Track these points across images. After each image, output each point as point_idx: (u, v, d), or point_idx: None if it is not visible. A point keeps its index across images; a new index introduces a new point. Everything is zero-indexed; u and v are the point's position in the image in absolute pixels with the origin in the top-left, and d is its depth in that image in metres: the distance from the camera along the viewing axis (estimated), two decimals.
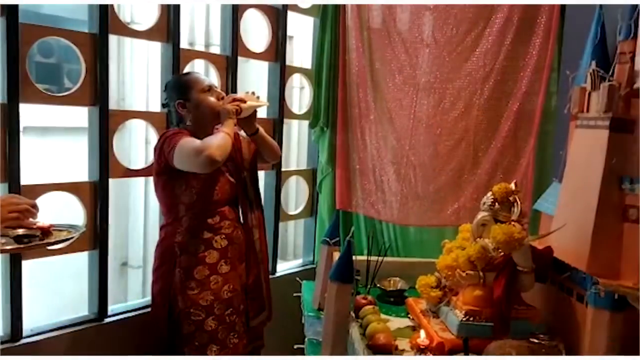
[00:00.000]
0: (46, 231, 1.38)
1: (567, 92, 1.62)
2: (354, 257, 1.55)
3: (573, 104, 1.59)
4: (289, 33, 2.75)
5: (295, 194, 3.95)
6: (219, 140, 1.73)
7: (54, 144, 3.64)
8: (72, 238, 1.43)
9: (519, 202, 1.53)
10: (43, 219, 1.40)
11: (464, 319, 1.46)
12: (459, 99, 2.47)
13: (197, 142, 1.73)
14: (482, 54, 2.40)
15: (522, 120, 2.35)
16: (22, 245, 1.33)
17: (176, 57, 2.21)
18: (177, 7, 2.19)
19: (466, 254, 1.52)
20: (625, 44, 1.44)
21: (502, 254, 1.49)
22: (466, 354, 1.43)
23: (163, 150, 1.78)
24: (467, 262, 1.51)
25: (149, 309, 2.05)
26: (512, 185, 1.56)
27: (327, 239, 1.98)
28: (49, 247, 1.56)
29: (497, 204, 1.54)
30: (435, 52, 2.50)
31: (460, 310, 1.49)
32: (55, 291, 3.30)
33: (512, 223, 1.49)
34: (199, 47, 3.67)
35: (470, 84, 2.44)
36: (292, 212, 3.05)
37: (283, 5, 2.66)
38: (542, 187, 2.03)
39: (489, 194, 1.57)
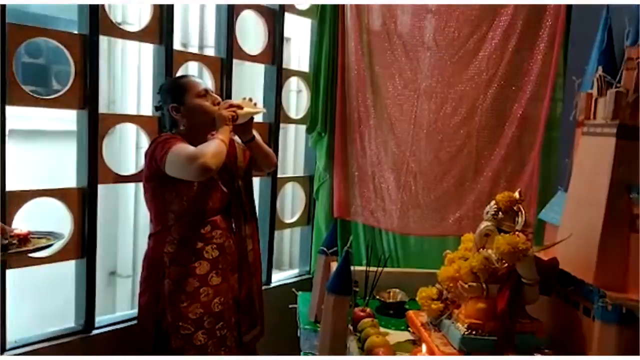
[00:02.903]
0: (24, 239, 1.38)
1: (572, 98, 1.63)
2: (352, 268, 1.55)
3: (579, 110, 1.59)
4: (286, 35, 2.76)
5: (292, 201, 3.95)
6: (214, 148, 1.72)
7: (41, 149, 3.62)
8: (50, 245, 1.44)
9: (523, 212, 1.53)
10: (22, 226, 1.40)
11: (466, 333, 1.45)
12: (461, 104, 2.47)
13: (191, 148, 1.73)
14: (484, 58, 2.41)
15: (527, 127, 2.36)
16: None
17: (169, 59, 2.21)
18: (170, 8, 2.19)
19: (469, 265, 1.51)
20: (632, 50, 1.44)
21: (505, 265, 1.48)
22: None
23: (155, 155, 1.77)
24: (469, 274, 1.51)
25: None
26: (517, 194, 1.55)
27: (325, 249, 1.98)
28: (28, 255, 1.56)
29: (500, 213, 1.54)
30: (436, 55, 2.51)
31: (462, 323, 1.48)
32: (40, 301, 3.28)
33: (517, 233, 1.48)
34: (193, 49, 3.68)
35: (473, 88, 2.44)
36: (288, 220, 3.05)
37: (280, 7, 2.67)
38: (547, 196, 2.03)
39: (493, 202, 1.57)
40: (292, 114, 3.07)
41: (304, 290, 2.25)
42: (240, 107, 1.91)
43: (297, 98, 3.95)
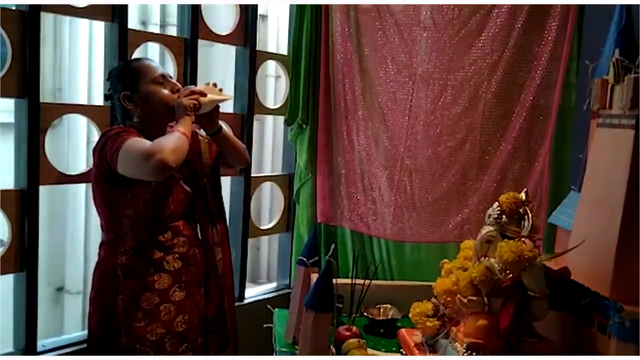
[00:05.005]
0: None
1: (587, 85, 1.65)
2: (334, 280, 1.55)
3: (593, 98, 1.61)
4: (260, 12, 2.76)
5: (269, 204, 3.95)
6: (173, 142, 1.72)
7: None
8: None
9: (530, 215, 1.54)
10: None
11: (465, 354, 1.46)
12: (462, 91, 2.49)
13: (146, 143, 1.72)
14: (489, 39, 2.43)
15: (536, 118, 2.38)
16: None
17: (124, 40, 2.20)
18: None
19: (468, 276, 1.52)
20: None
21: (510, 276, 1.49)
22: None
23: (105, 152, 1.76)
24: (469, 286, 1.52)
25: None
26: (523, 195, 1.57)
27: (304, 259, 1.97)
28: None
29: (504, 216, 1.56)
30: (434, 36, 2.53)
31: (461, 343, 1.49)
32: None
33: (522, 239, 1.50)
34: (153, 27, 3.66)
35: (476, 74, 2.46)
36: (264, 226, 3.05)
37: None
38: (559, 197, 2.05)
39: (495, 204, 1.58)
40: (269, 103, 3.07)
41: (282, 307, 2.25)
42: (203, 94, 1.90)
43: (274, 85, 3.95)
